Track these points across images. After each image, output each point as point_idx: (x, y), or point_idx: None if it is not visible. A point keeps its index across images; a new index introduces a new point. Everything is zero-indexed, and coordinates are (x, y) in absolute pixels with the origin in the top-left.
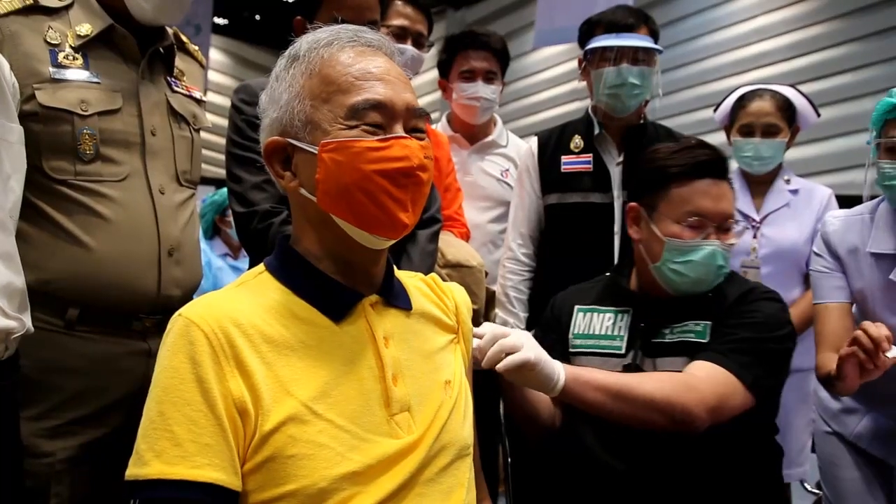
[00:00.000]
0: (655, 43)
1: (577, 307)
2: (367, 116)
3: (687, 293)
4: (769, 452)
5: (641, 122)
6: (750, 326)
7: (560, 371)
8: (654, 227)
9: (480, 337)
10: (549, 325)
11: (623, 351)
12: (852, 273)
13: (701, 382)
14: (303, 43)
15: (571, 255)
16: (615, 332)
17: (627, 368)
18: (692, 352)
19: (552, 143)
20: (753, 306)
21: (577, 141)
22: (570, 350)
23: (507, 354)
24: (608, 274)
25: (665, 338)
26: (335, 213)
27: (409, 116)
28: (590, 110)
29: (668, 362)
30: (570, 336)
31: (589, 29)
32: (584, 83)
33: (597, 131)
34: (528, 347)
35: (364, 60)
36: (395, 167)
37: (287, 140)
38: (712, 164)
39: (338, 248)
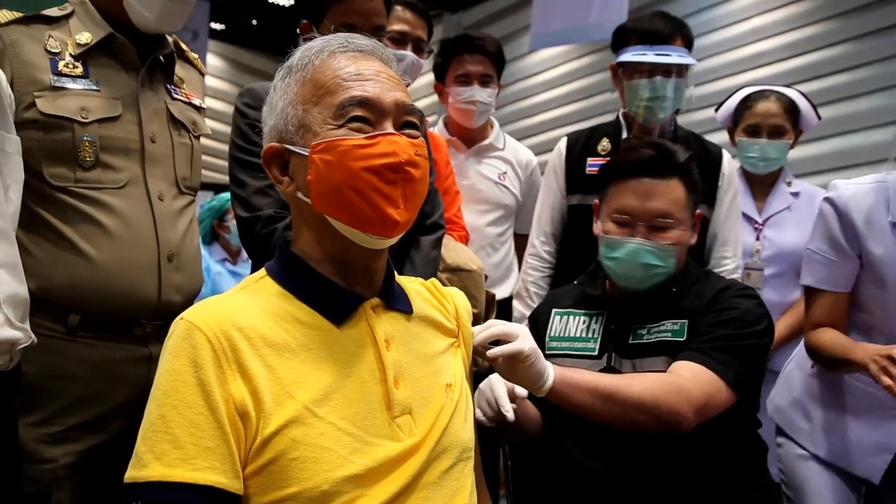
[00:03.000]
0: (690, 50)
1: (554, 310)
2: (352, 113)
3: (629, 289)
4: (753, 447)
5: (672, 128)
6: (728, 323)
7: (550, 370)
8: (596, 223)
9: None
10: (535, 330)
11: (596, 352)
12: (868, 241)
13: (688, 382)
14: (297, 53)
15: (590, 255)
16: (589, 335)
17: (603, 371)
18: (671, 351)
19: (580, 145)
20: (730, 303)
21: (604, 144)
22: (546, 352)
23: (502, 342)
24: (583, 277)
25: (643, 338)
26: (329, 214)
27: (400, 113)
28: (620, 116)
29: (648, 363)
30: (547, 339)
31: (623, 37)
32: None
33: (625, 135)
34: (523, 338)
35: (354, 64)
36: (383, 163)
37: (283, 145)
38: (649, 163)
39: (336, 249)
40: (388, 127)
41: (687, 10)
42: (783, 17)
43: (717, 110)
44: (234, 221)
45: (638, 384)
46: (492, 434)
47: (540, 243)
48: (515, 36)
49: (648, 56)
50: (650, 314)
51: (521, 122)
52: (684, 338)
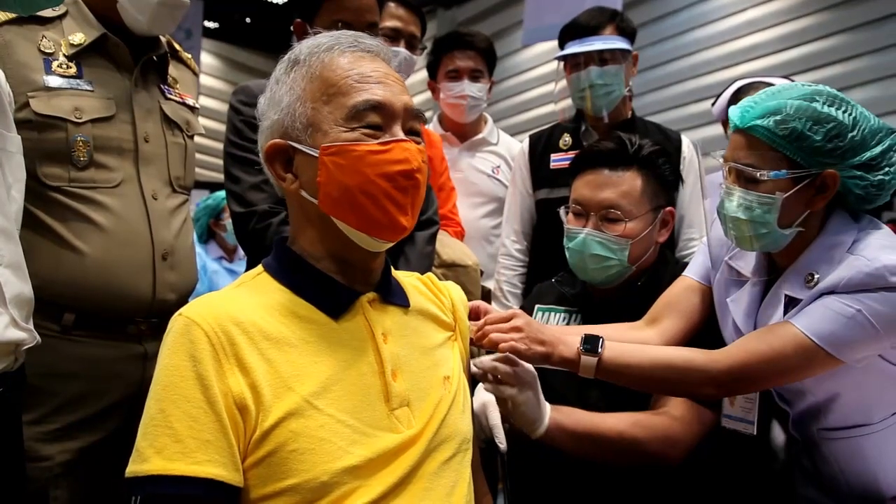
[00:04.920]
0: (631, 38)
1: (537, 306)
2: (366, 117)
3: (591, 282)
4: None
5: (629, 117)
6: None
7: (545, 416)
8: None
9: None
10: None
11: None
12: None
13: (677, 425)
14: (303, 47)
15: (561, 247)
16: None
17: None
18: None
19: (542, 142)
20: None
21: (566, 139)
22: None
23: (505, 383)
24: (562, 274)
25: None
26: (336, 216)
27: (407, 117)
28: (578, 111)
29: None
30: None
31: (562, 36)
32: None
33: (583, 128)
34: (523, 386)
35: (363, 65)
36: (397, 170)
37: (288, 143)
38: (607, 155)
39: (337, 248)
40: (399, 132)
41: (680, 3)
42: (776, 10)
43: (713, 104)
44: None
45: (630, 433)
46: None
47: (511, 242)
48: (509, 31)
49: (573, 48)
50: (626, 314)
51: (515, 117)
52: None
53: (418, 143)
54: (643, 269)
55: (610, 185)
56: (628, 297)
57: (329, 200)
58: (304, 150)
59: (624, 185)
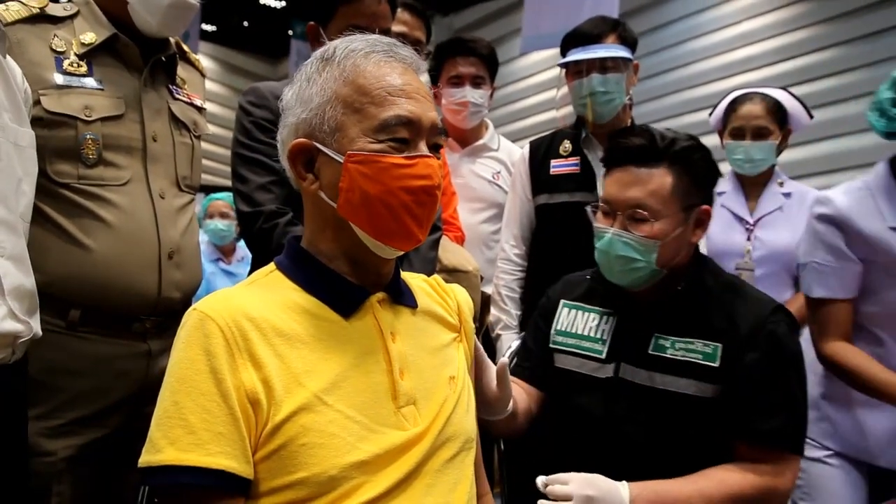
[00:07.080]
0: (633, 47)
1: (562, 301)
2: (396, 132)
3: (618, 284)
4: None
5: (629, 125)
6: (780, 387)
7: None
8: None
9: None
10: (544, 313)
11: (604, 356)
12: (873, 247)
13: (764, 476)
14: (338, 48)
15: (560, 252)
16: (598, 335)
17: (610, 382)
18: (700, 374)
19: (543, 148)
20: (776, 347)
21: (566, 145)
22: (551, 345)
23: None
24: (596, 270)
25: (666, 352)
26: (354, 222)
27: (432, 133)
28: (579, 118)
29: (670, 381)
30: (552, 331)
31: (564, 44)
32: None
33: (584, 135)
34: (577, 500)
35: (398, 76)
36: (419, 185)
37: (313, 143)
38: (635, 151)
39: (351, 249)
40: (423, 147)
41: (676, 14)
42: (772, 22)
43: (710, 114)
44: (206, 220)
45: (720, 498)
46: (485, 430)
47: (510, 247)
48: (507, 39)
49: (576, 55)
50: (667, 321)
51: (513, 124)
52: (716, 363)
53: (438, 158)
54: (677, 272)
55: (637, 183)
56: (670, 303)
57: (349, 206)
58: (328, 153)
59: (652, 183)
